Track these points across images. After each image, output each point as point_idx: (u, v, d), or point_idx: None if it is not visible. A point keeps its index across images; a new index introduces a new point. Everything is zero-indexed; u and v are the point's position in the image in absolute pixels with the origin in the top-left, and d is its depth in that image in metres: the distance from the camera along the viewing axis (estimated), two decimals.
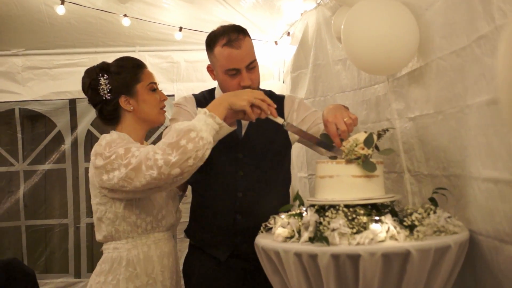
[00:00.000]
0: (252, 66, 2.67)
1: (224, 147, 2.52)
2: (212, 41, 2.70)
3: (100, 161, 2.27)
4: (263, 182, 2.76)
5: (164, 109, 2.60)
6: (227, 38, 2.64)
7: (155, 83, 2.57)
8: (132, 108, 2.50)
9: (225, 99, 2.32)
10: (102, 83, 2.48)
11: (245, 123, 2.79)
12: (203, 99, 2.85)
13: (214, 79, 2.80)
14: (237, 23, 4.56)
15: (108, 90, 2.48)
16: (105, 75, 2.49)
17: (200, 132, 2.16)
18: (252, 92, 2.37)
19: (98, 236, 2.50)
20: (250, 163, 2.73)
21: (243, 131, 2.78)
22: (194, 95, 2.93)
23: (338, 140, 2.35)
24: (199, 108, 2.30)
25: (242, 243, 2.72)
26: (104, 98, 2.49)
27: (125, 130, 2.49)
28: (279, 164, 2.85)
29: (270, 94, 2.91)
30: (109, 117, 2.53)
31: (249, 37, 2.73)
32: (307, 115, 2.82)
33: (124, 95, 2.49)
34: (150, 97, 2.53)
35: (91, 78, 2.50)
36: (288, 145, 2.89)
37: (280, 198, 2.80)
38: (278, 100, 2.84)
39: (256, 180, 2.75)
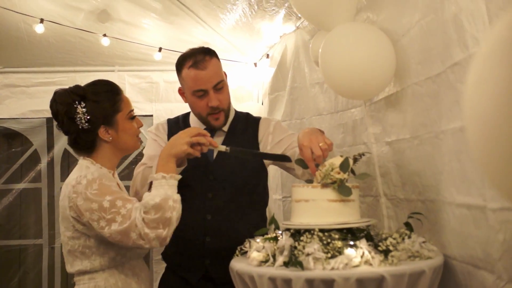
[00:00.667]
0: (219, 86, 2.69)
1: (195, 170, 2.52)
2: (180, 63, 2.74)
3: (81, 201, 2.20)
4: (233, 205, 2.74)
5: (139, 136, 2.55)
6: (193, 60, 2.68)
7: (133, 110, 2.48)
8: (110, 138, 2.39)
9: (167, 154, 2.35)
10: (80, 112, 2.31)
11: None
12: (176, 124, 2.88)
13: (185, 101, 2.82)
14: (217, 45, 4.63)
15: (86, 120, 2.32)
16: (82, 102, 2.33)
17: (172, 196, 2.23)
18: (185, 133, 2.39)
19: (70, 269, 2.37)
20: (220, 186, 2.72)
21: (215, 154, 2.78)
22: (168, 120, 2.96)
23: (313, 165, 2.34)
24: (154, 175, 2.30)
25: (212, 266, 2.71)
26: (80, 127, 2.34)
27: (100, 160, 2.40)
28: (252, 187, 2.83)
29: (246, 116, 2.92)
30: (85, 146, 2.40)
31: (217, 58, 2.75)
32: (283, 138, 2.81)
33: (104, 125, 2.37)
34: (130, 126, 2.44)
35: (66, 106, 2.32)
36: (261, 167, 2.88)
37: (252, 220, 2.78)
38: (254, 122, 2.85)
39: (226, 202, 2.73)
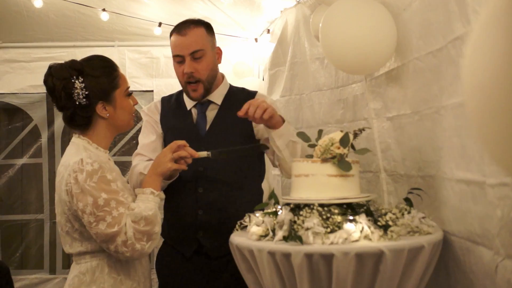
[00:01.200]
0: (197, 55, 2.68)
1: (187, 142, 2.49)
2: (171, 32, 2.78)
3: (77, 190, 2.16)
4: (225, 178, 2.73)
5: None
6: (178, 27, 2.72)
7: (129, 87, 2.43)
8: (108, 115, 2.32)
9: (154, 173, 2.39)
10: (78, 87, 2.23)
11: (210, 118, 2.78)
12: (168, 102, 2.89)
13: None
14: (217, 20, 4.60)
15: (84, 95, 2.24)
16: (80, 77, 2.25)
17: (158, 213, 2.29)
18: (167, 150, 2.42)
19: (70, 250, 2.32)
20: (211, 160, 2.65)
21: (207, 126, 2.77)
22: (162, 99, 2.96)
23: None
24: (143, 189, 2.32)
25: (205, 239, 2.72)
26: (77, 103, 2.26)
27: (95, 138, 2.33)
28: (246, 161, 2.79)
29: (241, 90, 2.92)
30: (80, 123, 2.32)
31: (206, 29, 2.74)
32: None
33: (102, 101, 2.30)
34: (127, 103, 2.39)
35: (63, 81, 2.23)
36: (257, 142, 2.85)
37: (246, 194, 2.77)
38: (249, 95, 2.84)
39: (217, 175, 2.72)
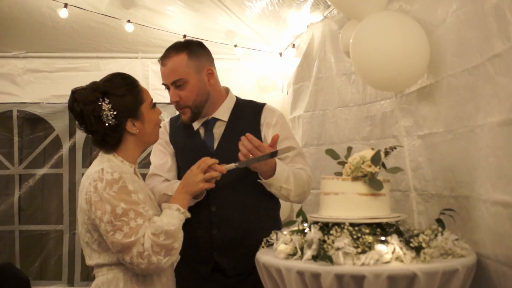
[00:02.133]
0: (178, 84, 2.66)
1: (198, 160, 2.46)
2: None
3: (96, 198, 2.16)
4: (239, 195, 2.68)
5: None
6: (163, 55, 2.72)
7: (152, 100, 2.44)
8: (137, 130, 2.33)
9: (184, 191, 2.37)
10: (106, 109, 2.24)
11: (217, 135, 2.77)
12: (175, 122, 2.89)
13: None
14: (241, 33, 4.57)
15: (113, 116, 2.25)
16: (106, 99, 2.25)
17: (181, 230, 2.26)
18: (198, 170, 2.39)
19: (89, 261, 2.33)
20: (224, 176, 2.57)
21: (215, 144, 2.75)
22: (171, 120, 2.96)
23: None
24: (170, 204, 2.30)
25: (221, 258, 2.68)
26: (107, 124, 2.26)
27: (123, 154, 2.34)
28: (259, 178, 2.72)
29: (248, 103, 2.88)
30: (112, 143, 2.32)
31: (188, 54, 2.68)
32: (279, 145, 2.69)
33: (130, 118, 2.31)
34: (154, 116, 2.40)
35: (91, 104, 2.24)
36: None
37: (262, 211, 2.73)
38: (257, 107, 2.82)
39: (231, 192, 2.67)
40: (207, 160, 2.41)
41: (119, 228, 2.13)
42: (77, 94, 2.28)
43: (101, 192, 2.15)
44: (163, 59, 2.69)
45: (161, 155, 2.82)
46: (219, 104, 2.79)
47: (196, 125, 2.80)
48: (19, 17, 4.53)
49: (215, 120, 2.79)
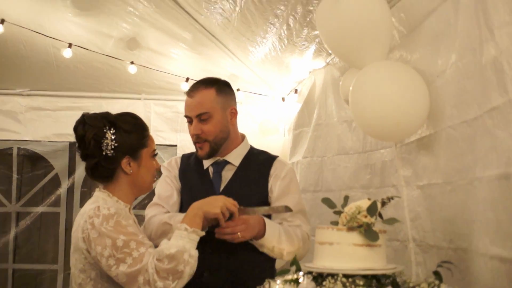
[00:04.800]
0: (203, 117, 2.67)
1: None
2: None
3: (95, 235, 2.15)
4: (235, 243, 2.60)
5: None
6: (191, 87, 2.75)
7: (155, 150, 2.46)
8: (131, 171, 2.33)
9: (199, 208, 2.34)
10: (108, 138, 2.26)
11: (225, 178, 2.76)
12: (187, 159, 2.89)
13: None
14: (244, 77, 4.59)
15: (113, 147, 2.27)
16: (112, 129, 2.28)
17: (189, 251, 2.19)
18: (222, 198, 2.39)
19: None
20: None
21: (221, 186, 2.74)
22: (183, 156, 2.96)
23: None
24: (178, 225, 2.28)
25: None
26: (104, 153, 2.27)
27: (117, 193, 2.33)
28: None
29: (262, 152, 2.88)
30: (104, 174, 2.33)
31: (217, 90, 2.71)
32: (285, 197, 2.72)
33: (128, 156, 2.32)
34: (151, 164, 2.40)
35: (96, 129, 2.26)
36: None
37: (257, 258, 2.65)
38: (268, 159, 2.82)
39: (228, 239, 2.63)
40: (235, 204, 2.40)
41: (122, 261, 2.11)
42: (86, 117, 2.30)
43: (99, 227, 2.14)
44: (191, 91, 2.72)
45: (168, 188, 2.80)
46: (233, 148, 2.79)
47: (206, 163, 2.80)
48: (24, 55, 4.58)
49: (226, 163, 2.78)
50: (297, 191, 2.80)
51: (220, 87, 2.74)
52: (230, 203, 2.38)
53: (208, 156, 2.75)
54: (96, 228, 2.15)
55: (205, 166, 2.80)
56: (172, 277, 2.12)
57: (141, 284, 2.10)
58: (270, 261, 2.75)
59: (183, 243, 2.19)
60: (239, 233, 2.44)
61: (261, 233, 2.53)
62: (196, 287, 2.61)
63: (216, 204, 2.34)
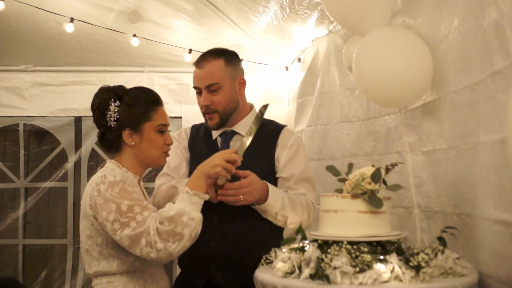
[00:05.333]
0: (212, 88, 2.67)
1: None
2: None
3: (101, 200, 2.21)
4: (241, 209, 2.61)
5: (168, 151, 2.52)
6: (199, 58, 2.74)
7: (166, 125, 2.45)
8: (133, 143, 2.38)
9: (201, 171, 2.34)
10: (111, 109, 2.35)
11: (234, 148, 2.73)
12: (197, 130, 2.91)
13: None
14: (248, 47, 4.56)
15: (115, 119, 2.35)
16: (117, 101, 2.36)
17: (190, 213, 2.20)
18: (220, 157, 2.37)
19: (88, 270, 2.35)
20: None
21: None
22: (193, 126, 2.98)
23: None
24: (180, 188, 2.28)
25: (216, 271, 2.64)
26: (108, 124, 2.36)
27: (125, 163, 2.39)
28: None
29: (270, 122, 2.87)
30: (109, 144, 2.41)
31: (225, 60, 2.72)
32: (292, 167, 2.73)
33: (129, 128, 2.38)
34: (155, 139, 2.41)
35: (101, 99, 2.37)
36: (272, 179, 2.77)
37: (263, 227, 2.67)
38: (276, 128, 2.82)
39: (234, 209, 2.60)
40: (233, 155, 2.39)
41: (126, 225, 2.17)
42: (100, 89, 2.42)
43: (104, 193, 2.22)
44: (199, 62, 2.71)
45: (177, 158, 2.83)
46: (241, 118, 2.81)
47: (215, 134, 2.82)
48: (26, 30, 4.57)
49: (234, 133, 2.80)
50: (303, 159, 2.79)
51: (228, 57, 2.75)
52: (227, 155, 2.38)
53: (218, 127, 2.76)
54: (102, 195, 2.22)
55: (214, 137, 2.82)
56: (172, 239, 2.15)
57: (143, 245, 2.14)
58: (277, 230, 2.75)
59: (183, 206, 2.21)
60: (241, 196, 2.45)
61: (264, 199, 2.54)
62: (203, 256, 2.65)
63: (214, 163, 2.34)
